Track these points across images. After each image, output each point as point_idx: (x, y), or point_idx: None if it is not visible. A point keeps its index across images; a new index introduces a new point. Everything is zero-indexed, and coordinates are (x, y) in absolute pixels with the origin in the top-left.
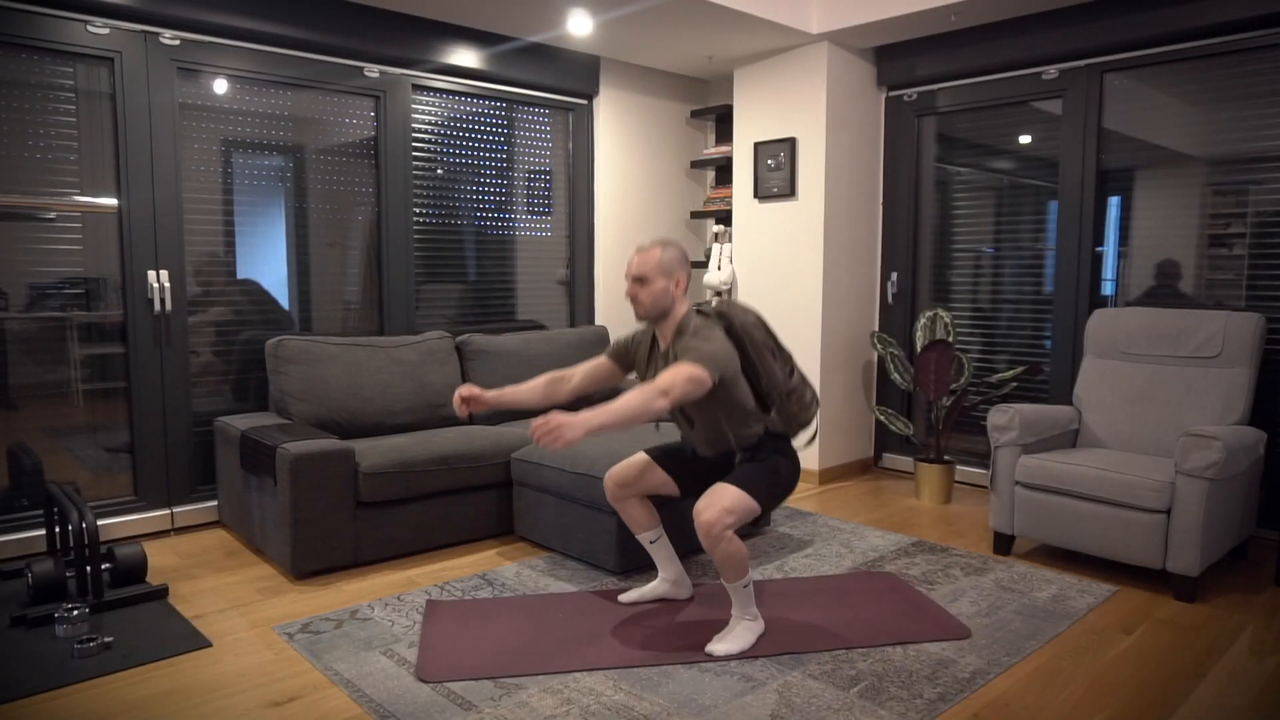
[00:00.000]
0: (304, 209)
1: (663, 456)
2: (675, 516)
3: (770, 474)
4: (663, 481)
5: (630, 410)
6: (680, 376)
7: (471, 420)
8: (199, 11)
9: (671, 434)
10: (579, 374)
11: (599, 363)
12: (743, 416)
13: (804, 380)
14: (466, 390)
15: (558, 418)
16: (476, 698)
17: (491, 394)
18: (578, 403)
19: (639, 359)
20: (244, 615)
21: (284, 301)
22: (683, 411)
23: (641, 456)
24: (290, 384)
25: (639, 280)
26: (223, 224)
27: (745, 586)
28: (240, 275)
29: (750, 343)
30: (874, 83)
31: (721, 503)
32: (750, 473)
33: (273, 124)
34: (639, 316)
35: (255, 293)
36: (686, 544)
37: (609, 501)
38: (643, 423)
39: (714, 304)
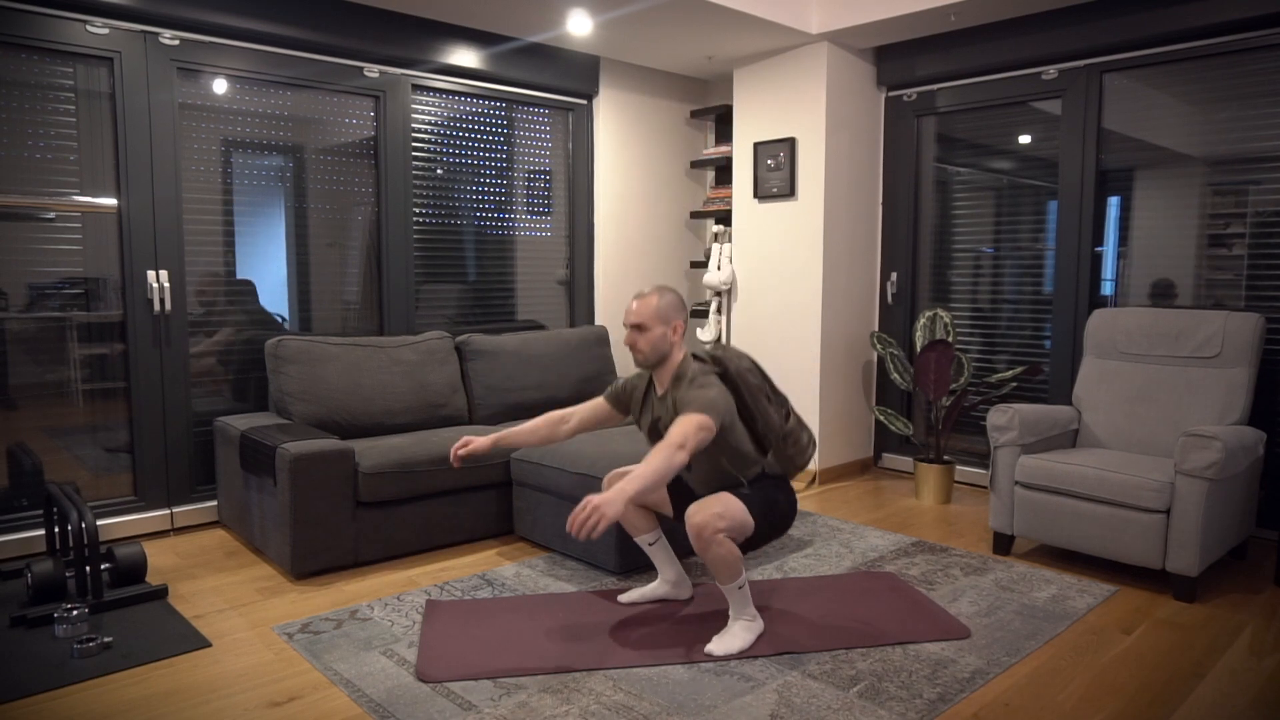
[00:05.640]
0: (304, 209)
1: None
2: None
3: (767, 500)
4: (660, 499)
5: (658, 471)
6: (690, 427)
7: (471, 420)
8: (199, 11)
9: None
10: (577, 415)
11: (597, 404)
12: (740, 460)
13: (800, 423)
14: (463, 447)
15: (594, 499)
16: (476, 698)
17: (489, 438)
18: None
19: (634, 403)
20: (244, 615)
21: (284, 301)
22: None
23: None
24: (290, 384)
25: (637, 328)
26: (222, 224)
27: (740, 587)
28: (240, 275)
29: (745, 387)
30: (874, 83)
31: (714, 507)
32: (747, 493)
33: (272, 124)
34: (638, 363)
35: (255, 293)
36: (686, 544)
37: None
38: (669, 479)
39: (708, 350)
